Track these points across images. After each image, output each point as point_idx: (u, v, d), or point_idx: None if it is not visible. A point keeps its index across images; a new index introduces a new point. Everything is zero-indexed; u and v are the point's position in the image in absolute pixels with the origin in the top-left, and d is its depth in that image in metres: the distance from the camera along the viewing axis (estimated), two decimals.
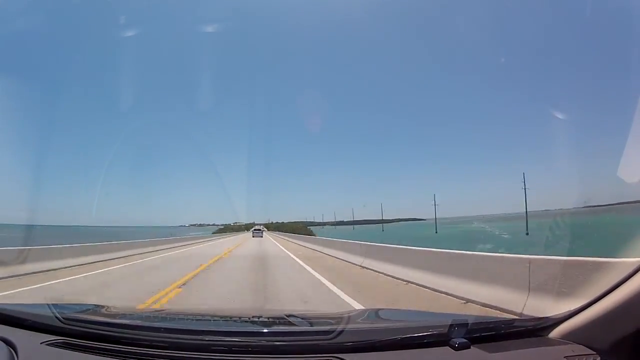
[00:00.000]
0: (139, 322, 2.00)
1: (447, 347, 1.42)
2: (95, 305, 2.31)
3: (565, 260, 4.00)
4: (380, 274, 8.50)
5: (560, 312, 1.57)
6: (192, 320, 2.36)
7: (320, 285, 7.48)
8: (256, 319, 2.41)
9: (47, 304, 1.94)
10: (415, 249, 8.19)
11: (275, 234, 58.77)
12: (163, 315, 2.55)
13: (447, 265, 6.34)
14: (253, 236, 42.17)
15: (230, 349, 1.46)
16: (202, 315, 2.48)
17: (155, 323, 2.03)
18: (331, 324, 1.92)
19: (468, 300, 5.32)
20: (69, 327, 1.64)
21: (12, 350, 1.43)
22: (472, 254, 6.10)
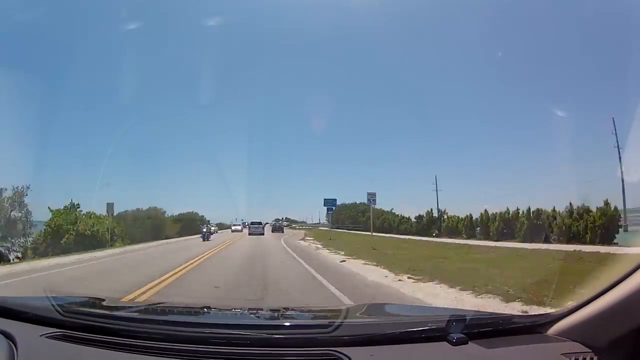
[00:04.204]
0: (138, 315, 2.01)
1: (445, 342, 1.42)
2: (94, 297, 2.32)
3: None
4: None
5: (559, 309, 1.58)
6: (191, 312, 2.37)
7: None
8: (255, 312, 2.42)
9: (47, 297, 1.95)
10: None
11: None
12: (162, 307, 2.57)
13: None
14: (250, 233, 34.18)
15: (229, 341, 1.47)
16: (201, 307, 2.49)
17: (154, 315, 2.04)
18: (329, 317, 1.93)
19: None
20: (68, 320, 1.65)
21: (11, 342, 1.43)
22: None
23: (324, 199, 32.20)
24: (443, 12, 29.90)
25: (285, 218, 79.07)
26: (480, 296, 6.06)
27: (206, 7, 31.09)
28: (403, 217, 36.47)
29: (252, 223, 35.89)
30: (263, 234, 32.97)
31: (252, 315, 2.26)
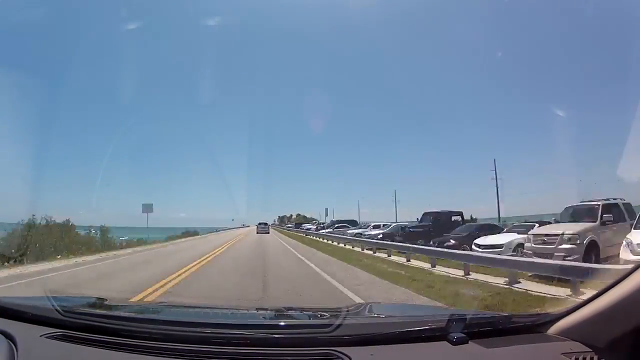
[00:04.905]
0: (138, 315, 2.01)
1: (445, 342, 1.42)
2: (95, 297, 2.32)
3: None
4: None
5: (559, 309, 1.57)
6: (191, 312, 2.37)
7: None
8: (255, 312, 2.43)
9: (47, 297, 1.95)
10: None
11: None
12: (162, 307, 2.57)
13: None
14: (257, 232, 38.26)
15: (229, 341, 1.47)
16: (202, 307, 2.49)
17: (154, 315, 2.04)
18: (329, 317, 1.93)
19: None
20: (68, 320, 1.65)
21: (11, 343, 1.43)
22: None
23: None
24: (444, 13, 29.94)
25: (297, 215, 69.32)
26: None
27: (206, 7, 31.11)
28: None
29: (260, 224, 40.95)
30: (268, 233, 37.04)
31: (252, 315, 2.26)
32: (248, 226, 57.88)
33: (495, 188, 31.24)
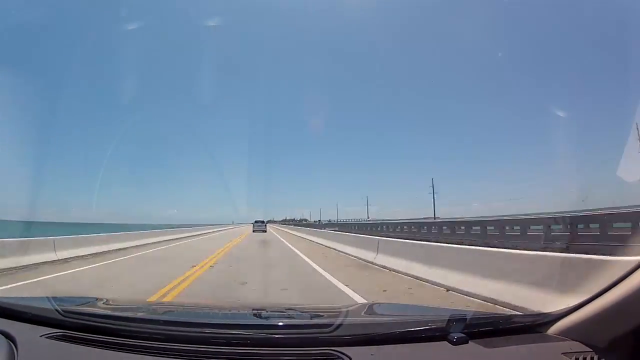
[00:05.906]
0: (138, 315, 2.00)
1: (445, 342, 1.42)
2: (95, 298, 2.31)
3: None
4: None
5: (559, 309, 1.57)
6: (191, 312, 2.37)
7: None
8: (256, 312, 2.43)
9: (47, 297, 1.95)
10: None
11: None
12: (163, 308, 2.57)
13: None
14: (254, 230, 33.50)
15: (229, 342, 1.46)
16: (202, 308, 2.49)
17: (154, 316, 2.04)
18: (330, 317, 1.93)
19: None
20: (68, 320, 1.65)
21: (11, 343, 1.43)
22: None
23: None
24: (442, 15, 29.98)
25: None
26: None
27: (206, 7, 31.20)
28: None
29: (256, 221, 34.70)
30: (265, 231, 31.63)
31: (252, 315, 2.26)
32: (218, 228, 35.91)
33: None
